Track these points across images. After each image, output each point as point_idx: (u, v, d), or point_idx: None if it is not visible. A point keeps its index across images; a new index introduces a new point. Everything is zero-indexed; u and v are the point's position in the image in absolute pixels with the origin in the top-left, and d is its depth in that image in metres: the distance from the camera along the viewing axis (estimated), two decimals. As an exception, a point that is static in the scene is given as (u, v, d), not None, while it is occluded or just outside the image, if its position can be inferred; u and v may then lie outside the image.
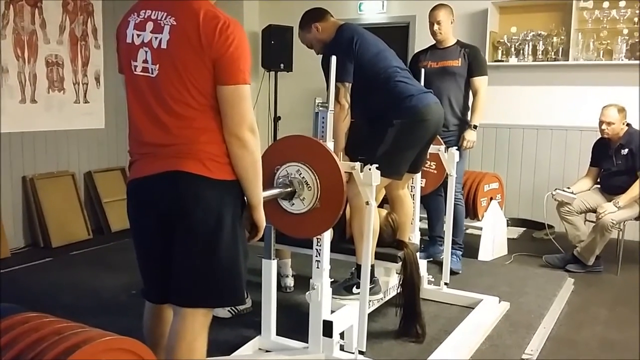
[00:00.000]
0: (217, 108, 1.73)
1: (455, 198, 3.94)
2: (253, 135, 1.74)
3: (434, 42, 4.10)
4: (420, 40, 5.12)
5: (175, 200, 1.75)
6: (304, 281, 3.28)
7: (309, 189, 2.24)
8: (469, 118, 4.07)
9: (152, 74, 1.73)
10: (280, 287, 3.41)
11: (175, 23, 1.70)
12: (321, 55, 2.87)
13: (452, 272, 3.83)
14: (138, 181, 1.81)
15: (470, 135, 3.97)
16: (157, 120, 1.74)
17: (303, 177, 2.25)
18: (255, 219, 1.86)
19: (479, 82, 3.98)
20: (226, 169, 1.75)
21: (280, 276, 3.46)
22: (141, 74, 1.75)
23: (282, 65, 5.70)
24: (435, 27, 3.95)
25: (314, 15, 2.94)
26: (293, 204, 2.28)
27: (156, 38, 1.71)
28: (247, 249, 1.87)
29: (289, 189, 2.25)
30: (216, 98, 1.71)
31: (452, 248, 4.03)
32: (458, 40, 4.05)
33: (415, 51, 4.42)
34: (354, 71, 2.76)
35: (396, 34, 5.48)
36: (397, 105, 2.76)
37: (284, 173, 2.28)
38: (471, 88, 4.02)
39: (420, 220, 3.45)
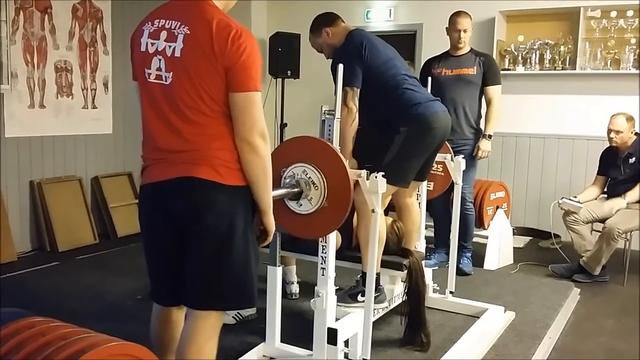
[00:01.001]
0: (229, 115, 1.76)
1: (465, 207, 3.95)
2: (264, 141, 1.76)
3: (443, 49, 4.11)
4: (428, 49, 5.13)
5: (187, 206, 1.78)
6: (309, 288, 3.28)
7: (316, 188, 2.25)
8: (481, 127, 4.07)
9: (166, 81, 1.76)
10: (285, 294, 3.41)
11: (188, 32, 1.73)
12: (331, 61, 2.87)
13: (464, 274, 3.85)
14: (151, 186, 1.84)
15: (485, 145, 3.98)
16: (170, 127, 1.77)
17: (309, 177, 2.26)
18: (265, 223, 1.88)
19: (494, 91, 4.00)
20: (237, 175, 1.78)
21: (285, 283, 3.46)
22: (155, 81, 1.78)
23: (289, 72, 5.73)
24: (462, 35, 3.96)
25: (325, 20, 2.94)
26: (301, 205, 2.29)
27: (170, 47, 1.75)
28: (258, 253, 1.90)
29: (296, 190, 2.26)
30: (228, 105, 1.75)
31: (462, 251, 4.05)
32: (472, 48, 4.06)
33: (423, 59, 4.42)
34: (363, 77, 2.75)
35: (403, 42, 5.49)
36: (404, 113, 2.76)
37: (291, 174, 2.29)
38: (485, 97, 4.03)
39: (425, 228, 3.44)
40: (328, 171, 2.23)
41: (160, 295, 1.95)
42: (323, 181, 2.23)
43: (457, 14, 4.00)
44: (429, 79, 3.61)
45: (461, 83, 3.94)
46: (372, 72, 2.76)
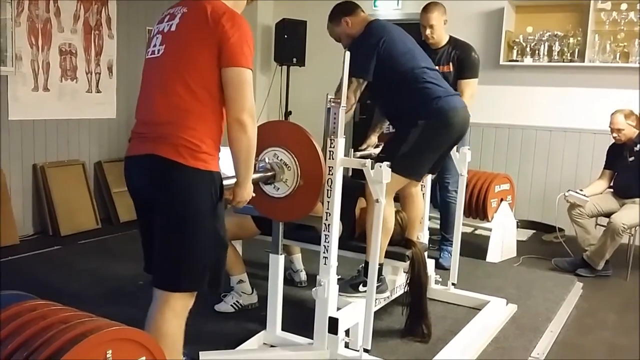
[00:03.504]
0: (210, 93, 1.82)
1: (449, 196, 3.93)
2: (252, 120, 1.85)
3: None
4: (435, 38, 5.09)
5: (147, 182, 1.88)
6: (311, 277, 3.28)
7: (289, 169, 2.30)
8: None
9: (158, 54, 1.88)
10: (294, 283, 3.44)
11: (186, 11, 1.88)
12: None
13: (444, 268, 3.77)
14: (128, 160, 1.96)
15: None
16: (150, 98, 1.88)
17: (281, 159, 2.31)
18: (235, 192, 1.96)
19: (464, 84, 3.75)
20: (201, 158, 1.83)
21: (292, 272, 3.47)
22: (150, 57, 1.91)
23: (294, 59, 5.69)
24: (428, 31, 3.73)
25: (345, 9, 2.89)
26: (278, 189, 2.33)
27: (168, 25, 1.89)
28: (223, 240, 1.93)
29: (270, 173, 2.30)
30: (211, 82, 1.81)
31: (444, 244, 4.03)
32: (450, 39, 3.82)
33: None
34: (380, 69, 2.70)
35: (411, 31, 5.34)
36: (423, 107, 2.70)
37: (263, 160, 2.33)
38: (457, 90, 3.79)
39: (429, 220, 3.42)
40: (297, 149, 2.29)
41: (146, 265, 2.03)
42: (294, 160, 2.29)
43: (424, 8, 3.77)
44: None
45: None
46: (389, 64, 2.70)
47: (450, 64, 3.76)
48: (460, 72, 3.77)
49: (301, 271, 3.48)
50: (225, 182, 1.94)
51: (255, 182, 2.27)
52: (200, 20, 1.81)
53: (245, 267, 3.09)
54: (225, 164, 1.96)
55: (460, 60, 3.76)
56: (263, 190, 2.37)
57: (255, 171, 2.28)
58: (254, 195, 2.04)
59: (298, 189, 2.30)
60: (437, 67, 3.57)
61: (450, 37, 3.84)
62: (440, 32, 3.77)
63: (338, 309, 2.49)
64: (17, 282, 3.17)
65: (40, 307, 1.58)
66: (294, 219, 2.46)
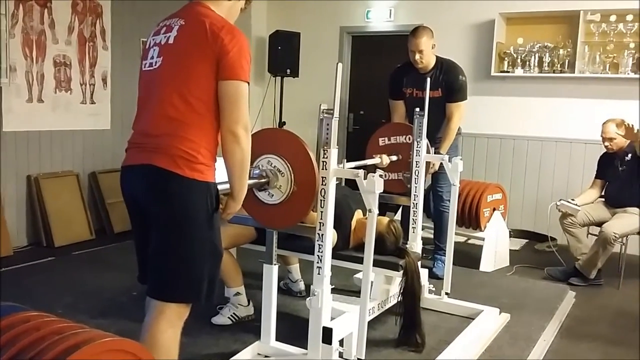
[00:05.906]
0: (207, 105, 1.83)
1: (443, 205, 3.94)
2: (246, 133, 1.86)
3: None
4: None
5: (143, 192, 1.88)
6: (307, 288, 3.28)
7: (282, 175, 2.31)
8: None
9: (155, 66, 1.88)
10: (292, 293, 3.45)
11: (183, 23, 1.88)
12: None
13: (437, 277, 3.81)
14: (124, 169, 1.96)
15: (436, 163, 3.70)
16: (147, 110, 1.89)
17: (275, 166, 2.32)
18: (228, 204, 1.97)
19: (454, 108, 3.82)
20: (197, 169, 1.84)
21: (292, 282, 3.47)
22: (147, 69, 1.91)
23: (288, 70, 5.73)
24: (417, 56, 3.74)
25: None
26: (272, 195, 2.35)
27: (165, 37, 1.89)
28: (218, 250, 1.94)
29: (264, 180, 2.32)
30: (209, 95, 1.82)
31: (438, 253, 4.03)
32: (437, 61, 3.83)
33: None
34: None
35: (403, 42, 5.47)
36: None
37: (257, 168, 2.36)
38: (446, 112, 3.85)
39: (422, 230, 3.44)
40: (290, 156, 2.30)
41: (139, 275, 2.02)
42: (287, 166, 2.30)
43: (413, 33, 3.76)
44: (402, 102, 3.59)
45: (431, 105, 3.46)
46: None
47: (440, 89, 3.78)
48: (449, 96, 3.82)
49: (300, 281, 3.48)
50: (219, 187, 1.94)
51: (249, 188, 2.28)
52: (199, 33, 1.81)
53: (242, 278, 3.09)
54: (220, 174, 1.97)
55: (449, 85, 3.80)
56: (257, 197, 2.38)
57: (249, 178, 2.31)
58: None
59: (292, 195, 2.31)
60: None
61: (437, 58, 3.86)
62: (428, 57, 3.79)
63: (332, 318, 2.49)
64: (10, 294, 3.16)
65: (33, 319, 1.58)
66: (288, 225, 2.46)
